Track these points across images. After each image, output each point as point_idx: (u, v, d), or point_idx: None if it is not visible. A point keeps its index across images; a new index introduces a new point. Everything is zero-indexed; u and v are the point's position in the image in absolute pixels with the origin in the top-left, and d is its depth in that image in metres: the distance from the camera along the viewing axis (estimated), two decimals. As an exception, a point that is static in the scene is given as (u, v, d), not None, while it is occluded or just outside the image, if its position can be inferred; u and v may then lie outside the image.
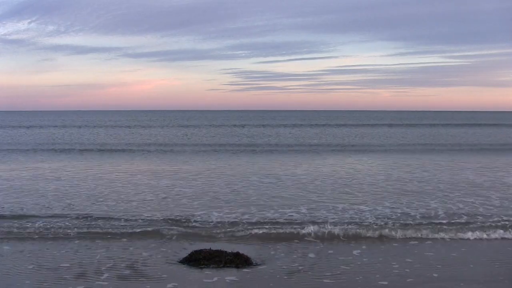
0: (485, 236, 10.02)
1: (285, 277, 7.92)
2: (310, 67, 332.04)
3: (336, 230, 10.23)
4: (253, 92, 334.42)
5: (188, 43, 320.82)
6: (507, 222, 10.86)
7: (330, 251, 9.25)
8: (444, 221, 11.14)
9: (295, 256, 8.96)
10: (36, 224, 10.93)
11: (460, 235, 10.06)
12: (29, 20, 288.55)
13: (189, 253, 8.86)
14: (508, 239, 9.95)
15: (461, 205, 12.86)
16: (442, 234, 10.09)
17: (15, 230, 10.53)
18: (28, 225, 10.87)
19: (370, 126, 64.99)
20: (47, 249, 9.36)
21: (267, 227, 10.69)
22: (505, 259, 8.68)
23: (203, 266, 8.31)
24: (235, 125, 68.07)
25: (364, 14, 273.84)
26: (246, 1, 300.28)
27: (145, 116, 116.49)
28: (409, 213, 12.01)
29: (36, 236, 10.17)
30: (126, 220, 11.39)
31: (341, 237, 10.03)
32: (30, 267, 8.26)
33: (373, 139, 41.85)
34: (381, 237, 9.99)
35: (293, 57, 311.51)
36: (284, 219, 11.47)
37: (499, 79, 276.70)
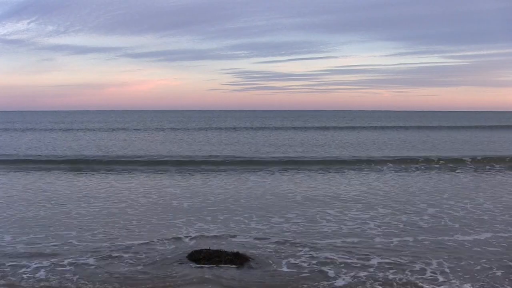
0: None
1: (286, 277, 7.86)
2: (310, 67, 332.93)
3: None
4: (253, 92, 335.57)
5: (188, 43, 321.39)
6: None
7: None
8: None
9: (296, 256, 8.89)
10: None
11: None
12: (28, 20, 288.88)
13: (189, 253, 8.83)
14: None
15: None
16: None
17: None
18: None
19: (365, 129, 60.70)
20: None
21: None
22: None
23: (203, 266, 8.25)
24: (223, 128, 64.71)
25: (363, 14, 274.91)
26: (246, 1, 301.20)
27: (139, 117, 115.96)
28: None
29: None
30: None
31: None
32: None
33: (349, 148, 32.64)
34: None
35: (292, 57, 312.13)
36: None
37: (499, 79, 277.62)
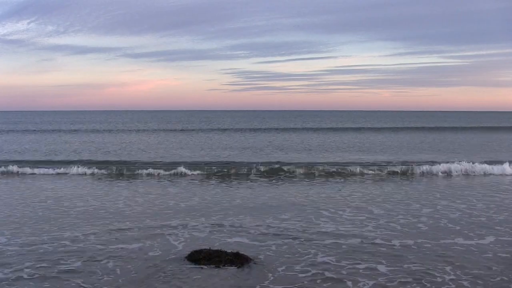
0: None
1: (286, 276, 7.88)
2: (310, 67, 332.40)
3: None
4: (253, 92, 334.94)
5: (188, 43, 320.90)
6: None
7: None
8: None
9: (297, 256, 8.91)
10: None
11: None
12: (28, 21, 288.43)
13: (189, 253, 8.86)
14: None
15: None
16: None
17: None
18: None
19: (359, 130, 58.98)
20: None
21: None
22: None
23: (203, 266, 8.27)
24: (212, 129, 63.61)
25: (363, 14, 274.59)
26: (246, 1, 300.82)
27: (139, 117, 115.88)
28: None
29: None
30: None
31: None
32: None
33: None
34: None
35: (292, 57, 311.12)
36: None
37: (499, 79, 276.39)
